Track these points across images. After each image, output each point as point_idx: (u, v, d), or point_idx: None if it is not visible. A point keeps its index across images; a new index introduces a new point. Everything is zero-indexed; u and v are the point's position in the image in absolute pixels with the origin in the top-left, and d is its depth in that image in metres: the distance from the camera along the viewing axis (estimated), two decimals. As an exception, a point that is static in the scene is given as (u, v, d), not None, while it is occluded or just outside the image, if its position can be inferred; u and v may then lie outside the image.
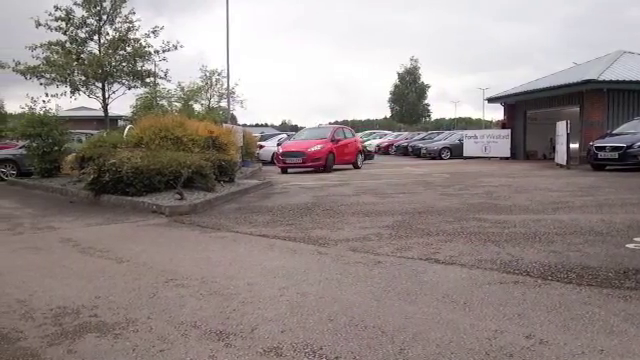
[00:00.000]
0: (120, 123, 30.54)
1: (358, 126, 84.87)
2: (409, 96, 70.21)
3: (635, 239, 6.23)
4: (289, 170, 20.38)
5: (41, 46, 18.81)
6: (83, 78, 19.32)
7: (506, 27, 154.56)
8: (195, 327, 3.69)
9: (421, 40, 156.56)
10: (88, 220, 8.58)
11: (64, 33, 19.06)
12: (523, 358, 3.10)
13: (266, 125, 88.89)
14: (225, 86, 33.70)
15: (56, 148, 15.09)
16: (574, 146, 21.70)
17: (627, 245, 5.95)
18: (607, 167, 18.23)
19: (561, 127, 20.89)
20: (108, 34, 19.75)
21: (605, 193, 11.14)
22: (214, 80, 39.80)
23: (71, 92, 19.39)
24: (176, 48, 20.49)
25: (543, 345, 3.28)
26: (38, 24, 18.74)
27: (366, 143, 34.58)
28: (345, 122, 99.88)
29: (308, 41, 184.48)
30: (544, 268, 5.06)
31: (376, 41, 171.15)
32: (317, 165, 19.91)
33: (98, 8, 19.21)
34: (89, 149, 12.69)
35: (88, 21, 19.29)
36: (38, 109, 15.94)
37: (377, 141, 41.37)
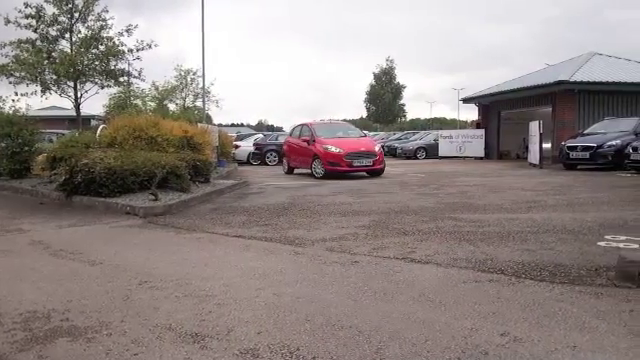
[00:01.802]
0: (93, 123, 30.16)
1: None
2: (385, 96, 70.48)
3: (606, 237, 6.34)
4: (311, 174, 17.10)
5: (10, 44, 18.42)
6: (54, 77, 18.98)
7: (484, 28, 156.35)
8: (170, 330, 3.65)
9: (400, 41, 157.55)
10: (59, 222, 8.44)
11: (34, 31, 18.70)
12: (498, 356, 3.13)
13: (242, 125, 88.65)
14: (200, 85, 33.44)
15: (26, 148, 14.77)
16: (547, 146, 22.03)
17: (598, 243, 6.05)
18: (578, 166, 18.53)
19: (534, 127, 21.18)
20: (80, 32, 19.44)
21: (577, 192, 11.31)
22: (189, 79, 39.49)
23: (42, 91, 19.04)
24: (150, 47, 20.25)
25: (517, 342, 3.31)
26: (7, 21, 18.36)
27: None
28: (298, 124, 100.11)
29: (286, 41, 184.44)
30: (518, 266, 5.11)
31: (355, 42, 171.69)
32: (381, 168, 16.99)
33: (70, 6, 18.88)
34: (61, 149, 12.47)
35: (59, 19, 18.96)
36: (7, 108, 15.64)
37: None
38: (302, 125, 19.20)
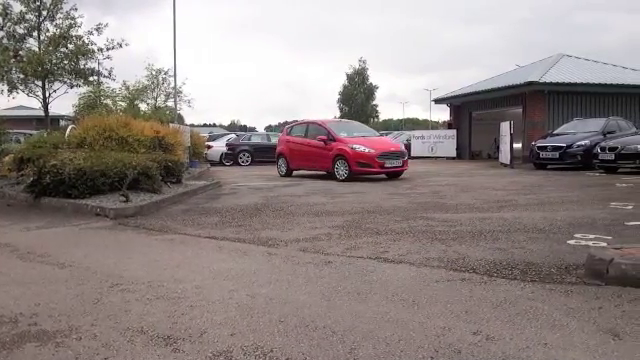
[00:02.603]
0: (62, 123, 29.72)
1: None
2: (358, 97, 70.82)
3: (576, 235, 6.44)
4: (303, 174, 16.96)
5: (-24, 42, 18.11)
6: (22, 76, 18.67)
7: (456, 29, 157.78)
8: (142, 333, 3.60)
9: (372, 42, 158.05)
10: (27, 224, 8.27)
11: (1, 29, 18.37)
12: (471, 354, 3.15)
13: (214, 125, 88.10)
14: (172, 85, 33.16)
15: (-7, 149, 14.54)
16: (517, 146, 22.34)
17: (568, 241, 6.14)
18: (548, 166, 18.84)
19: (505, 127, 21.46)
20: (48, 31, 19.18)
21: (547, 191, 11.49)
22: (160, 79, 39.10)
23: (8, 90, 18.73)
24: (121, 46, 20.07)
25: (490, 341, 3.33)
26: (-28, 19, 18.04)
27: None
28: (295, 122, 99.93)
29: (258, 42, 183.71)
30: (490, 265, 5.16)
31: (327, 42, 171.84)
32: (405, 170, 16.23)
33: (38, 3, 18.60)
34: (28, 150, 12.25)
35: (27, 16, 18.66)
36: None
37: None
38: (307, 124, 18.17)
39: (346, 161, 15.27)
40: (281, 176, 17.58)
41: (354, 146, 15.28)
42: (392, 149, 15.82)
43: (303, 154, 17.07)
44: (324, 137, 16.13)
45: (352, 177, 15.12)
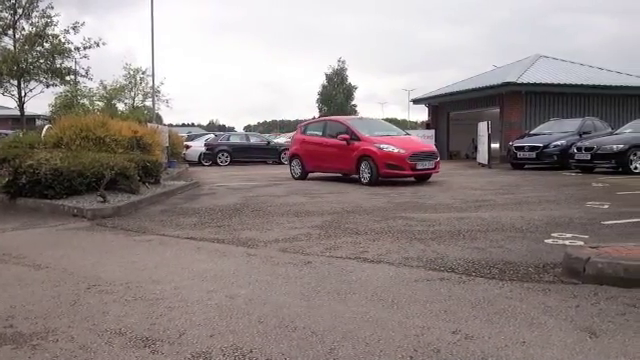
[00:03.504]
0: (38, 122, 29.35)
1: (288, 126, 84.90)
2: (337, 97, 70.88)
3: (553, 235, 6.52)
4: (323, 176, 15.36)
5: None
6: (-4, 75, 18.41)
7: (434, 30, 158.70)
8: (120, 334, 3.56)
9: (351, 42, 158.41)
10: (3, 225, 8.14)
11: (-25, 27, 18.09)
12: (450, 353, 3.17)
13: (193, 125, 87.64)
14: (150, 85, 32.91)
15: (-33, 149, 14.27)
16: (495, 146, 22.56)
17: (546, 240, 6.22)
18: (526, 166, 19.04)
19: (482, 128, 21.64)
20: (24, 29, 18.93)
21: (524, 191, 11.61)
22: (138, 79, 38.83)
23: (-17, 90, 18.44)
24: (98, 45, 19.89)
25: (469, 340, 3.36)
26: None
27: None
28: (274, 122, 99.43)
29: (237, 42, 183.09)
30: (468, 264, 5.20)
31: (306, 42, 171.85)
32: (438, 172, 14.76)
33: (13, 1, 18.36)
34: (4, 150, 12.05)
35: (1, 14, 18.41)
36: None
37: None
38: (325, 121, 16.81)
39: (372, 162, 13.61)
40: (295, 178, 16.13)
41: (382, 146, 13.67)
42: (424, 149, 14.28)
43: (321, 154, 15.45)
44: (346, 136, 14.50)
45: (379, 181, 13.59)
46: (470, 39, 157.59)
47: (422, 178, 14.36)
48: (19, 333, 3.62)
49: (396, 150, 13.55)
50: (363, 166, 13.87)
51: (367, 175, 13.73)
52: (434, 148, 14.84)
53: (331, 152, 15.01)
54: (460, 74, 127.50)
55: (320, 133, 15.90)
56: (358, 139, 14.21)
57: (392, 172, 13.62)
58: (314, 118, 20.36)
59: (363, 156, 13.89)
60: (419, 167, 13.71)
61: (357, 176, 14.16)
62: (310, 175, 16.16)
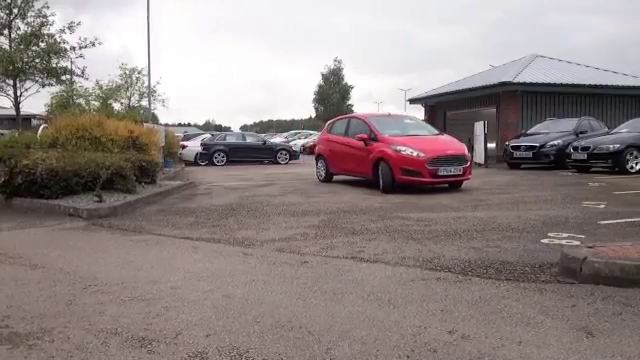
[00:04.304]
0: (34, 122, 29.23)
1: (284, 126, 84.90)
2: (333, 97, 71.02)
3: (549, 234, 6.53)
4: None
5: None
6: (-8, 75, 18.37)
7: (430, 30, 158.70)
8: (116, 334, 3.55)
9: (347, 42, 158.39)
10: (-1, 225, 8.12)
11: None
12: (447, 353, 3.17)
13: (189, 125, 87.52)
14: (146, 84, 32.87)
15: (-37, 149, 14.22)
16: (491, 146, 22.58)
17: (542, 240, 6.23)
18: (522, 165, 19.06)
19: (479, 127, 21.66)
20: (19, 29, 18.88)
21: (521, 191, 11.63)
22: (134, 78, 38.75)
23: (-21, 89, 18.39)
24: (94, 45, 19.86)
25: (465, 339, 3.36)
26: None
27: (291, 143, 34.68)
28: (271, 122, 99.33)
29: (235, 42, 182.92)
30: (464, 264, 5.21)
31: (302, 42, 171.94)
32: (469, 179, 12.32)
33: (8, 1, 18.29)
34: None
35: (-3, 14, 18.35)
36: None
37: (302, 141, 41.44)
38: (349, 118, 14.88)
39: (387, 167, 11.70)
40: (320, 181, 14.66)
41: (398, 148, 11.70)
42: (449, 152, 11.83)
43: (343, 156, 13.80)
44: (364, 135, 12.67)
45: (395, 188, 11.60)
46: (465, 39, 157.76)
47: (452, 185, 12.17)
48: (15, 333, 3.60)
49: (414, 153, 11.45)
50: (379, 171, 11.93)
51: (384, 181, 11.79)
52: (464, 151, 12.24)
53: (351, 153, 13.26)
54: (455, 74, 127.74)
55: (343, 132, 14.17)
56: (376, 139, 12.32)
57: (408, 179, 11.49)
58: (342, 115, 18.54)
59: (379, 159, 11.95)
60: (441, 173, 11.44)
61: (377, 181, 12.16)
62: (335, 178, 14.57)
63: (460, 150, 12.14)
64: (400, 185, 11.55)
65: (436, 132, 13.52)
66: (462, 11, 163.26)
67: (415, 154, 11.47)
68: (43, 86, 19.84)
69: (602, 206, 8.90)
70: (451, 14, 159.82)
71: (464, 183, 12.29)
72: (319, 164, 15.08)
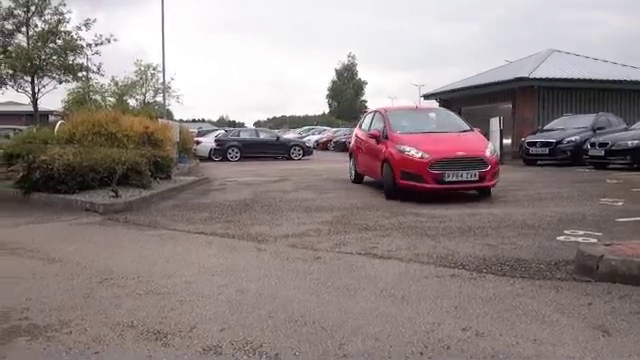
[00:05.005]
0: (51, 118, 29.50)
1: (297, 122, 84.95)
2: (346, 92, 71.00)
3: (565, 232, 6.47)
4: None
5: (-35, 38, 17.96)
6: (11, 72, 18.54)
7: (442, 27, 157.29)
8: (132, 327, 3.59)
9: (359, 38, 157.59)
10: (17, 219, 8.20)
11: (-11, 24, 18.24)
12: (460, 350, 3.16)
13: (203, 121, 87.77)
14: (160, 81, 33.04)
15: (-19, 144, 14.39)
16: (507, 142, 22.37)
17: (558, 238, 6.17)
18: (538, 162, 18.86)
19: (494, 123, 21.49)
20: (37, 26, 19.05)
21: (537, 187, 11.53)
22: (149, 75, 38.95)
23: (-2, 86, 18.61)
24: (110, 42, 19.98)
25: (479, 337, 3.35)
26: (-39, 14, 17.87)
27: (305, 139, 34.69)
28: (284, 118, 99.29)
29: (248, 37, 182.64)
30: (479, 261, 5.18)
31: (316, 38, 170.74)
32: (491, 185, 10.09)
33: (26, -1, 18.48)
34: (18, 145, 12.14)
35: (15, 12, 18.52)
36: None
37: (316, 137, 41.50)
38: (374, 112, 13.21)
39: (390, 169, 10.17)
40: (352, 182, 13.15)
41: (402, 147, 10.01)
42: (459, 153, 9.76)
43: (364, 154, 12.39)
44: (377, 132, 11.41)
45: (398, 193, 9.91)
46: (478, 35, 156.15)
47: (482, 192, 10.13)
48: (34, 325, 3.66)
49: (418, 154, 9.64)
50: (384, 172, 10.47)
51: (385, 184, 10.44)
52: (480, 152, 9.98)
53: (368, 152, 11.95)
54: (469, 70, 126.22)
55: (367, 127, 12.68)
56: (387, 137, 10.78)
57: (408, 184, 9.73)
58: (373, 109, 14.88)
59: (385, 160, 10.44)
60: (449, 179, 9.43)
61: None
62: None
63: (474, 151, 9.96)
64: (402, 191, 9.85)
65: (465, 128, 11.33)
66: (476, 7, 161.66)
67: (418, 155, 9.62)
68: (60, 83, 20.04)
69: (620, 203, 8.80)
70: (465, 11, 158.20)
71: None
72: (350, 163, 13.65)
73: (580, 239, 6.00)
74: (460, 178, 9.50)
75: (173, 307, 3.99)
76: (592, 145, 16.37)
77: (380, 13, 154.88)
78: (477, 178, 9.56)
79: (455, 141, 10.51)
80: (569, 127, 19.00)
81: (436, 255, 5.47)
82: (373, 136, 11.46)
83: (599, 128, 18.32)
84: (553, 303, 3.97)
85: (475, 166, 9.60)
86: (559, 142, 18.21)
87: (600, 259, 4.54)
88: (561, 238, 6.15)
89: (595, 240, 5.84)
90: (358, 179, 12.97)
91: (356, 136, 13.50)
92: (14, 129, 20.78)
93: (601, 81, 23.83)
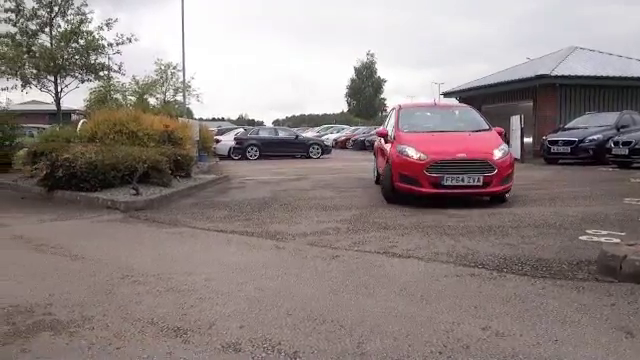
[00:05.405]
0: (73, 117, 29.83)
1: (315, 120, 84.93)
2: (365, 90, 70.86)
3: (587, 231, 6.39)
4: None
5: (-10, 38, 18.21)
6: (34, 71, 18.76)
7: (460, 24, 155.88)
8: (152, 324, 3.62)
9: (377, 36, 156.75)
10: (41, 216, 8.33)
11: (14, 25, 18.45)
12: (480, 349, 3.14)
13: (222, 119, 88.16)
14: (181, 80, 33.19)
15: (7, 143, 14.63)
16: (528, 140, 22.16)
17: (580, 237, 6.10)
18: (560, 161, 18.66)
19: (515, 121, 21.29)
20: (60, 26, 19.24)
21: (558, 186, 11.42)
22: (169, 74, 39.13)
23: (22, 86, 18.82)
24: (130, 41, 20.09)
25: (499, 337, 3.33)
26: (-14, 15, 18.12)
27: (323, 137, 34.66)
28: (303, 116, 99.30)
29: (266, 37, 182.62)
30: (499, 261, 5.14)
31: (334, 37, 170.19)
32: (502, 190, 9.10)
33: (49, -1, 18.69)
34: (41, 144, 12.34)
35: (39, 12, 18.73)
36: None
37: (334, 135, 41.41)
38: (393, 109, 12.01)
39: (389, 171, 9.43)
40: (374, 182, 12.21)
41: (402, 147, 9.29)
42: (460, 155, 8.84)
43: (380, 154, 11.45)
44: (384, 131, 11.03)
45: (397, 196, 9.21)
46: (497, 33, 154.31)
47: (494, 198, 9.21)
48: (57, 320, 3.72)
49: (416, 155, 8.91)
50: (385, 173, 9.79)
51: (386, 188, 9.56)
52: (488, 154, 8.96)
53: (381, 152, 11.32)
54: (489, 67, 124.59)
55: (386, 125, 11.99)
56: (392, 137, 10.13)
57: (405, 187, 9.01)
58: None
59: (387, 160, 9.87)
60: (447, 183, 8.64)
61: None
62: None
63: (477, 152, 8.99)
64: (401, 194, 9.15)
65: (482, 127, 10.36)
66: (495, 4, 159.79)
67: (416, 156, 8.89)
68: (82, 82, 20.16)
69: (643, 203, 8.67)
70: (483, 8, 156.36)
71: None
72: (374, 162, 12.79)
73: (603, 239, 5.92)
74: (461, 182, 8.69)
75: (193, 304, 4.02)
76: (615, 144, 16.14)
77: (399, 8, 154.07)
78: (481, 183, 8.71)
79: (461, 141, 9.53)
80: (591, 125, 18.76)
81: (456, 254, 5.44)
82: (382, 134, 11.10)
83: (623, 126, 18.05)
84: (575, 303, 3.93)
85: (478, 169, 8.74)
86: (581, 141, 17.98)
87: (623, 259, 4.48)
88: (583, 238, 6.08)
89: (618, 240, 5.75)
90: (379, 179, 11.51)
91: (377, 134, 12.38)
92: (38, 128, 21.10)
93: (624, 78, 23.46)
